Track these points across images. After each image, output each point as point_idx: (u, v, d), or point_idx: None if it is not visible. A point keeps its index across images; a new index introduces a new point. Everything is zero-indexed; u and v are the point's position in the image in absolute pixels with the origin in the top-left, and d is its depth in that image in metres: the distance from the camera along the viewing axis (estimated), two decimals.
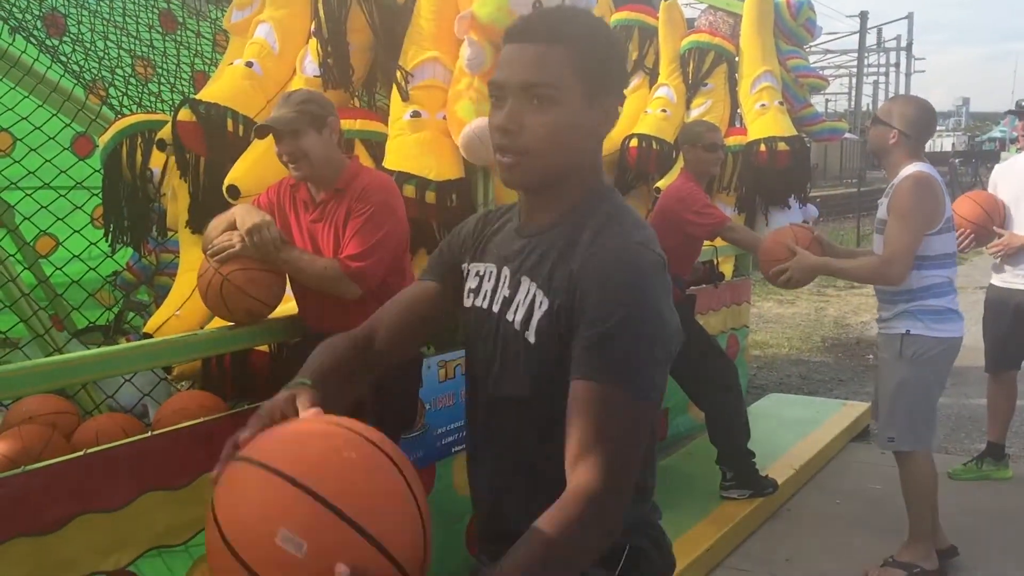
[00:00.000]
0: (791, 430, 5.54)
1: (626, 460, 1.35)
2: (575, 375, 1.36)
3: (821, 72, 7.24)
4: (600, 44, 1.45)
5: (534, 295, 1.46)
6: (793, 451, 5.16)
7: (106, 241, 4.18)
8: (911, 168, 3.61)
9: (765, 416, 5.97)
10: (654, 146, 5.59)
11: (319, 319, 2.95)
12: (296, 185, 2.96)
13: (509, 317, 1.49)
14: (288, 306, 3.04)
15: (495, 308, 1.52)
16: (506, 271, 1.52)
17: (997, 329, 4.90)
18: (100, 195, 4.27)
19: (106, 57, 4.49)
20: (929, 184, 3.58)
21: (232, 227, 2.87)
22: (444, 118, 3.62)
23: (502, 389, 1.52)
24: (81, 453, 2.49)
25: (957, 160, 34.85)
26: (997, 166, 5.05)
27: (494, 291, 1.53)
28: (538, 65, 1.41)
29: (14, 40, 4.63)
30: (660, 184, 5.55)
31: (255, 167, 3.44)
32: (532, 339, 1.45)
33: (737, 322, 6.27)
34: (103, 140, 4.19)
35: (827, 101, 38.62)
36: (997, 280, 4.90)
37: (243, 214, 2.87)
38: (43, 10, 4.53)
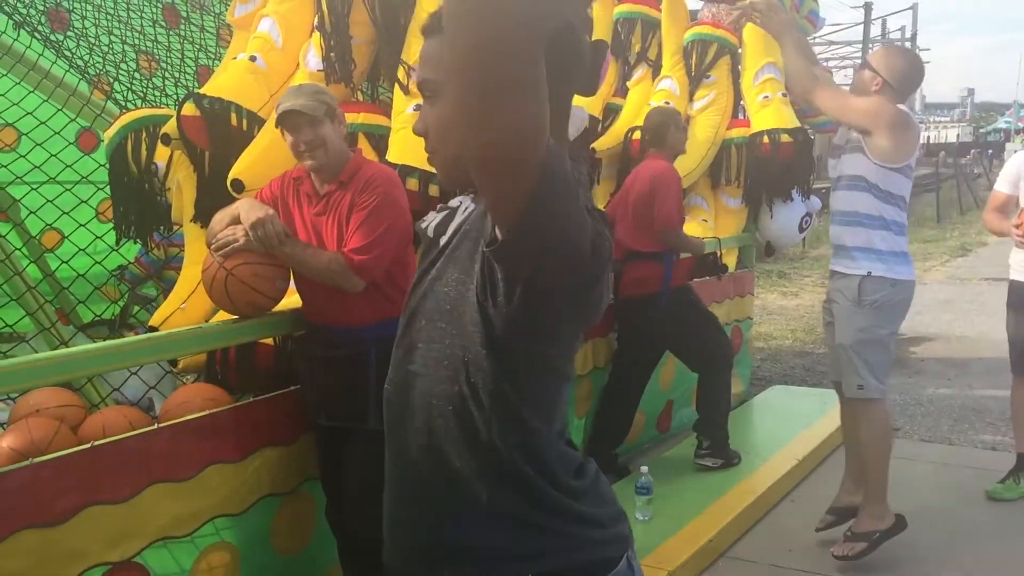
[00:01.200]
0: (795, 421, 5.55)
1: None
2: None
3: (825, 63, 7.22)
4: None
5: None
6: (796, 442, 5.17)
7: (113, 235, 4.20)
8: None
9: (769, 408, 5.98)
10: None
11: (322, 312, 2.97)
12: (300, 178, 2.97)
13: None
14: (292, 299, 3.05)
15: None
16: None
17: (1020, 328, 4.59)
18: (106, 189, 4.29)
19: (110, 52, 4.50)
20: (909, 120, 3.66)
21: (236, 221, 2.88)
22: None
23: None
24: (88, 445, 2.51)
25: (969, 155, 34.69)
26: (1015, 156, 4.80)
27: None
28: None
29: (19, 35, 4.65)
30: None
31: (259, 161, 3.46)
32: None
33: (741, 314, 6.27)
34: (108, 135, 4.21)
35: None
36: (1018, 274, 4.60)
37: (247, 208, 2.89)
38: (47, 5, 4.54)
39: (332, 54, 3.71)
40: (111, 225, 4.21)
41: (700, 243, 5.11)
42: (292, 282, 3.00)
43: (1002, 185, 4.69)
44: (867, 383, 3.73)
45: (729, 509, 4.25)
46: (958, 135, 55.63)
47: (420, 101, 3.61)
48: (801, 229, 6.06)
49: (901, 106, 3.68)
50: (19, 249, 4.45)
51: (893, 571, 3.86)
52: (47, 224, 4.33)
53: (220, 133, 3.59)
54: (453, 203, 1.47)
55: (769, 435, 5.34)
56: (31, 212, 4.27)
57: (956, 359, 7.96)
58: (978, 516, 4.40)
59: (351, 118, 3.60)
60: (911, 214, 19.95)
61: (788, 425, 5.50)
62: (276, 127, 2.94)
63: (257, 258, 2.85)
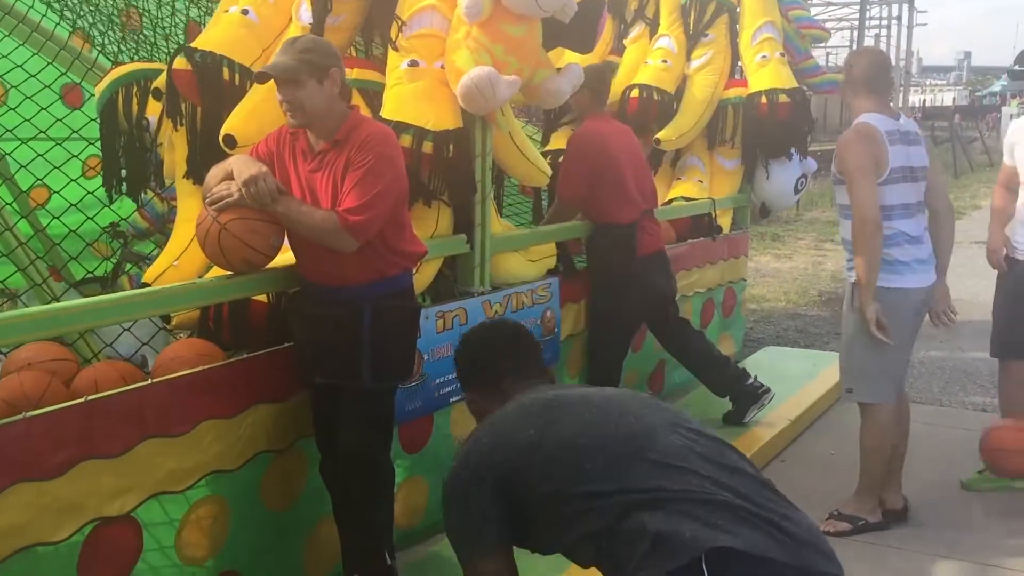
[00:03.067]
0: (786, 382, 5.57)
1: None
2: None
3: (823, 24, 7.16)
4: None
5: None
6: (788, 403, 5.20)
7: (104, 191, 4.17)
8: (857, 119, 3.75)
9: (761, 368, 5.97)
10: (655, 96, 5.57)
11: (316, 270, 2.95)
12: (295, 134, 2.93)
13: None
14: (287, 256, 3.04)
15: None
16: None
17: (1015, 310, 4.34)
18: (95, 145, 4.24)
19: (100, 3, 4.43)
20: (868, 135, 3.66)
21: (230, 177, 2.85)
22: (442, 67, 3.58)
23: None
24: (82, 400, 2.51)
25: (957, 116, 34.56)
26: (1013, 125, 4.55)
27: None
28: None
29: None
30: (660, 135, 5.52)
31: (252, 116, 3.42)
32: None
33: (734, 275, 6.28)
34: (99, 89, 4.16)
35: (828, 54, 38.18)
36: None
37: (240, 164, 2.86)
38: None
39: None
40: (100, 181, 4.17)
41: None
42: (287, 239, 2.99)
43: (1007, 156, 4.53)
44: (856, 387, 3.80)
45: None
46: (954, 99, 55.40)
47: (414, 57, 3.60)
48: (796, 190, 6.05)
49: (864, 117, 3.72)
50: (9, 204, 4.40)
51: (882, 530, 3.90)
52: (38, 178, 4.27)
53: (212, 88, 3.55)
54: None
55: None
56: (22, 166, 4.21)
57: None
58: (967, 477, 4.44)
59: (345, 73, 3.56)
60: None
61: (780, 386, 5.50)
62: (248, 87, 2.90)
63: (251, 213, 2.83)
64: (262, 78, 2.89)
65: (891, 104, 3.90)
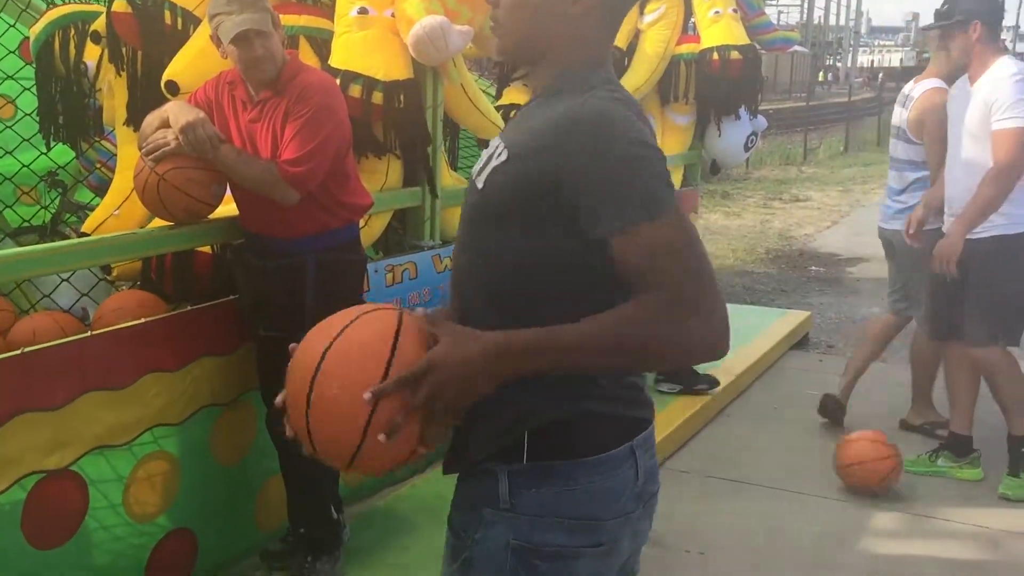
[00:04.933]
0: (733, 338, 5.57)
1: (689, 269, 1.32)
2: (603, 238, 1.34)
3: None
4: None
5: (496, 147, 1.49)
6: (734, 358, 5.27)
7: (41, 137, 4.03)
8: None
9: None
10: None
11: (258, 221, 2.90)
12: (233, 82, 2.85)
13: (474, 172, 1.54)
14: (231, 207, 2.97)
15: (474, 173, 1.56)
16: (497, 140, 1.55)
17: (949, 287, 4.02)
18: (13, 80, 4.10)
19: None
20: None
21: (166, 124, 2.77)
22: (392, 15, 3.51)
23: (459, 249, 1.55)
24: (19, 352, 2.44)
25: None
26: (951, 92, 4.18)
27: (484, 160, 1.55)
28: None
29: None
30: None
31: (195, 62, 3.31)
32: (480, 184, 1.49)
33: None
34: (34, 31, 4.00)
35: (779, 13, 38.36)
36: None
37: (176, 111, 2.77)
38: None
39: None
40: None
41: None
42: (229, 189, 2.92)
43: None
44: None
45: (666, 424, 4.33)
46: (901, 59, 56.02)
47: (363, 5, 3.52)
48: (747, 148, 6.06)
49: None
50: None
51: (829, 473, 4.00)
52: None
53: (153, 32, 3.44)
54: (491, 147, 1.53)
55: None
56: None
57: None
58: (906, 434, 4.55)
59: (292, 20, 3.47)
60: (853, 138, 19.94)
61: None
62: (214, 40, 2.80)
63: (190, 162, 2.75)
64: (242, 40, 2.72)
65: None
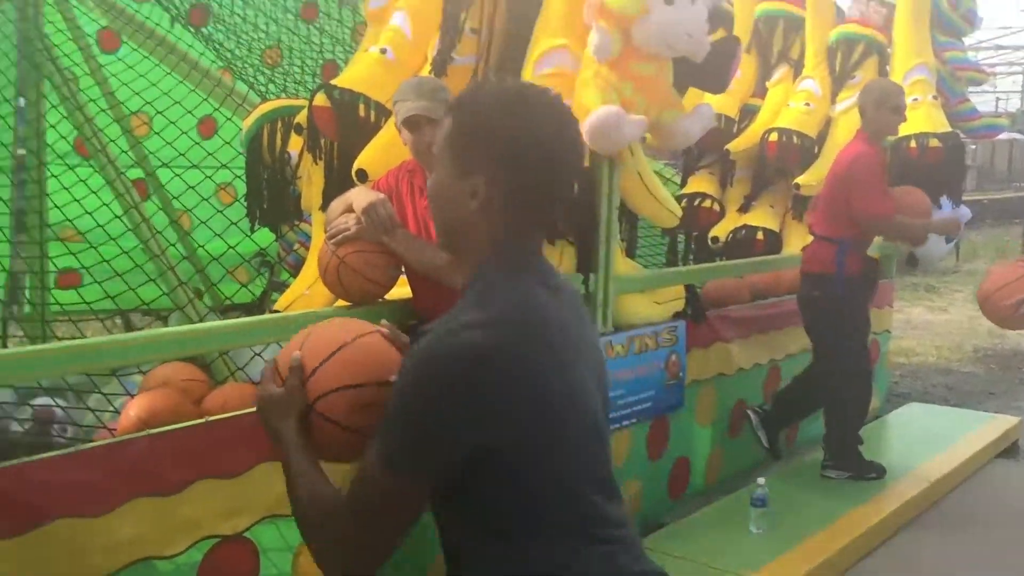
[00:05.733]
0: (930, 442, 5.26)
1: (369, 517, 1.46)
2: None
3: (981, 66, 6.81)
4: (468, 120, 1.48)
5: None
6: (929, 464, 4.89)
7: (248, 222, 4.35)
8: None
9: (903, 425, 5.70)
10: (795, 140, 5.42)
11: (431, 305, 2.98)
12: (413, 171, 2.99)
13: None
14: (404, 290, 3.09)
15: None
16: None
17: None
18: (229, 169, 4.43)
19: (251, 42, 4.67)
20: None
21: (350, 209, 2.93)
22: (571, 106, 3.59)
23: None
24: (202, 421, 2.61)
25: None
26: None
27: None
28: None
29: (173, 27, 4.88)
30: (800, 180, 5.36)
31: (384, 152, 3.51)
32: None
33: (878, 327, 5.98)
34: (246, 124, 4.36)
35: (998, 100, 36.37)
36: None
37: (359, 194, 2.94)
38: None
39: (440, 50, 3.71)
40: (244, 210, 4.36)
41: (921, 228, 4.77)
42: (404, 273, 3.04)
43: None
44: None
45: (850, 528, 4.06)
46: None
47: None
48: (948, 241, 5.74)
49: None
50: (160, 232, 4.66)
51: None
52: (186, 208, 4.52)
53: (348, 124, 3.67)
54: None
55: (900, 454, 5.07)
56: (175, 197, 4.47)
57: None
58: None
59: None
60: None
61: (922, 445, 5.23)
62: (397, 127, 2.97)
63: (368, 247, 2.89)
64: (413, 125, 2.94)
65: None
